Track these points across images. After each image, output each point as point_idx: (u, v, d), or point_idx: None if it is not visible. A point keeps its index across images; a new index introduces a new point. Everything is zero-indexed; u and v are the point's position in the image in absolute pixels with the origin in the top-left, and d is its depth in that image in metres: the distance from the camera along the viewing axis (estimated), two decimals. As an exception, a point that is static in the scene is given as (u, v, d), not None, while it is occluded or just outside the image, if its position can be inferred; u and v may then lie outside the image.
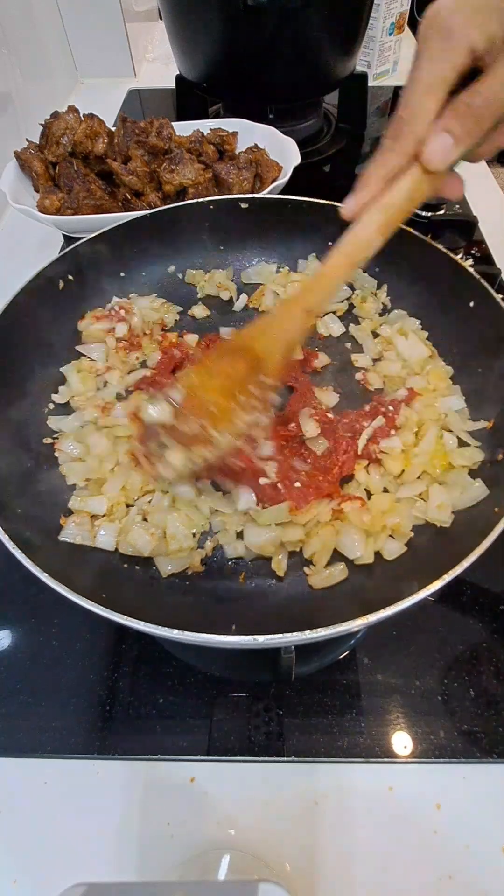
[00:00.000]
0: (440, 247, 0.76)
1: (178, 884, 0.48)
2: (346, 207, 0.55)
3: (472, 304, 0.71)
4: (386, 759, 0.57)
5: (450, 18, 0.44)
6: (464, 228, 1.05)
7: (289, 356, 0.63)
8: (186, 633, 0.45)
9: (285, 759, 0.57)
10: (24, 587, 0.69)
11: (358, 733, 0.58)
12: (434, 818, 0.55)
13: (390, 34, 1.51)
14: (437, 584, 0.47)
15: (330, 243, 0.88)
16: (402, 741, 0.58)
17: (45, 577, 0.49)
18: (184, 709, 0.60)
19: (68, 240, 0.80)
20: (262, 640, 0.45)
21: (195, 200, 0.87)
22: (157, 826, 0.54)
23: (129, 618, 0.46)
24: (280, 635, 0.45)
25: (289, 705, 0.60)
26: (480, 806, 0.55)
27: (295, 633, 0.44)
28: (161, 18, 1.32)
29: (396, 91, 1.58)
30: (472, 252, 1.04)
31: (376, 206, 0.54)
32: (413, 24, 1.67)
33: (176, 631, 0.45)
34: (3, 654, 0.64)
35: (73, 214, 0.98)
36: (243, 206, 0.87)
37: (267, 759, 0.57)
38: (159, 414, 0.59)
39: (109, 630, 0.66)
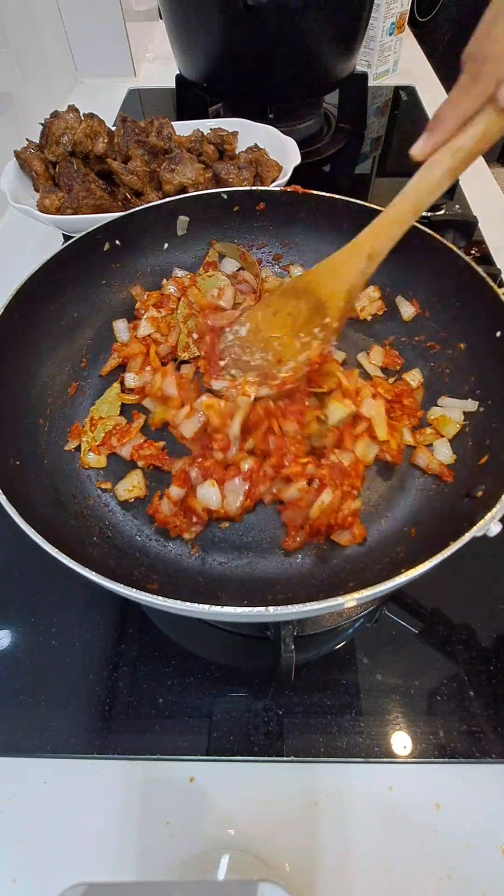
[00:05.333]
0: (477, 268, 0.72)
1: (178, 884, 0.48)
2: (417, 148, 0.53)
3: (498, 333, 0.68)
4: (385, 759, 0.57)
5: None
6: (464, 228, 1.05)
7: (351, 301, 0.65)
8: (188, 603, 0.45)
9: (285, 759, 0.57)
10: (24, 587, 0.69)
11: (357, 733, 0.58)
12: (434, 818, 0.55)
13: (390, 34, 1.51)
14: (409, 575, 0.47)
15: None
16: (401, 741, 0.58)
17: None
18: (183, 709, 0.60)
19: (68, 239, 0.81)
20: (256, 611, 0.45)
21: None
22: (157, 826, 0.54)
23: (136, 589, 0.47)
24: (271, 608, 0.45)
25: (288, 705, 0.60)
26: (480, 806, 0.55)
27: (287, 607, 0.45)
28: (161, 18, 1.32)
29: (396, 91, 1.58)
30: (472, 252, 1.04)
31: (446, 149, 0.52)
32: (413, 24, 1.68)
33: (179, 602, 0.45)
34: (3, 653, 0.64)
35: (73, 214, 0.98)
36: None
37: (266, 758, 0.57)
38: (232, 336, 0.66)
39: (109, 630, 0.66)
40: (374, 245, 0.61)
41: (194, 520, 0.64)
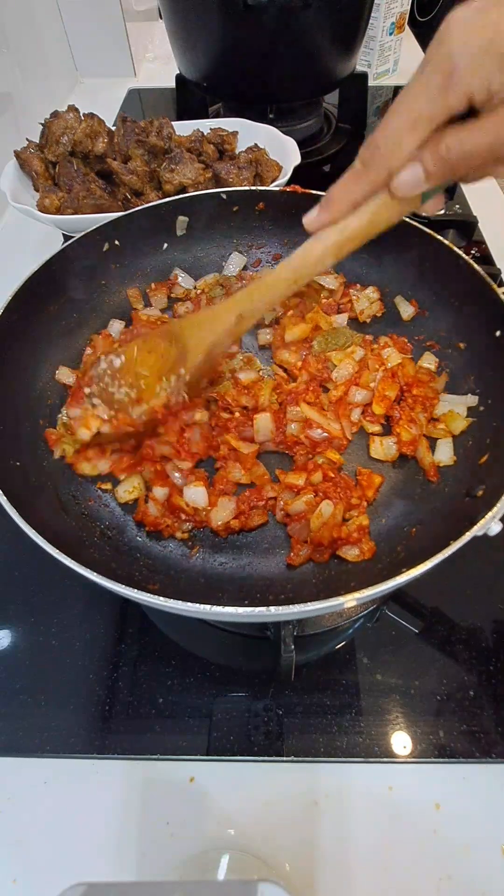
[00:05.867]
0: (479, 269, 0.71)
1: (178, 884, 0.48)
2: (308, 220, 0.54)
3: (497, 333, 0.68)
4: (385, 759, 0.57)
5: (457, 56, 0.41)
6: (464, 228, 1.05)
7: (211, 359, 0.65)
8: (189, 603, 0.45)
9: (285, 758, 0.57)
10: (24, 587, 0.69)
11: (357, 733, 0.58)
12: (434, 818, 0.55)
13: (390, 34, 1.51)
14: (410, 575, 0.47)
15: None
16: (401, 741, 0.58)
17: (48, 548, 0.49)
18: (183, 708, 0.60)
19: (68, 239, 0.81)
20: (258, 611, 0.45)
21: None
22: (157, 826, 0.54)
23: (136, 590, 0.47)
24: (274, 608, 0.45)
25: (288, 705, 0.60)
26: (480, 806, 0.55)
27: (288, 607, 0.45)
28: (161, 18, 1.32)
29: (396, 91, 1.58)
30: (472, 252, 1.04)
31: (335, 226, 0.53)
32: (413, 24, 1.68)
33: (181, 602, 0.45)
34: (3, 653, 0.64)
35: (73, 214, 0.98)
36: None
37: (266, 758, 0.57)
38: (105, 365, 0.64)
39: (109, 630, 0.66)
40: (244, 306, 0.61)
41: (183, 517, 0.64)
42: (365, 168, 0.49)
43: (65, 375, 0.75)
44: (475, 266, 0.71)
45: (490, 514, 0.51)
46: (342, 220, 0.53)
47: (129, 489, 0.67)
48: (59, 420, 0.72)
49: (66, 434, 0.70)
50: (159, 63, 1.77)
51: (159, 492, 0.65)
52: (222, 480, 0.67)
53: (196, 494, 0.64)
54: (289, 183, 1.02)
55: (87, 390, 0.64)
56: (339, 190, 0.51)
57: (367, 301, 0.85)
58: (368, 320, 0.84)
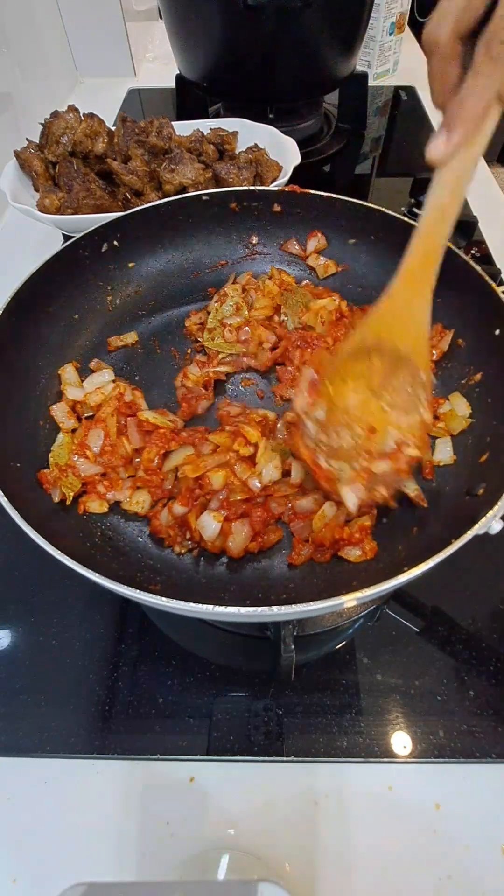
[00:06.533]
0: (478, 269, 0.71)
1: (177, 884, 0.48)
2: (435, 150, 0.45)
3: (497, 332, 0.68)
4: (385, 759, 0.57)
5: None
6: (464, 228, 1.05)
7: (428, 341, 0.59)
8: (191, 603, 0.45)
9: (285, 758, 0.57)
10: (25, 587, 0.69)
11: (357, 733, 0.58)
12: (434, 818, 0.55)
13: (390, 34, 1.51)
14: (414, 572, 0.47)
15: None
16: (401, 741, 0.58)
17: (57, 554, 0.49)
18: (183, 709, 0.60)
19: (68, 239, 0.81)
20: (259, 611, 0.45)
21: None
22: (157, 826, 0.54)
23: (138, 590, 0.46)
24: (276, 608, 0.45)
25: (288, 705, 0.60)
26: (480, 806, 0.55)
27: (290, 606, 0.45)
28: (161, 18, 1.32)
29: (396, 91, 1.58)
30: (473, 252, 1.04)
31: (464, 147, 0.45)
32: (413, 24, 1.67)
33: (183, 602, 0.45)
34: (3, 653, 0.64)
35: (72, 214, 0.98)
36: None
37: (267, 758, 0.57)
38: (312, 424, 0.58)
39: (109, 630, 0.66)
40: (430, 276, 0.55)
41: (188, 536, 0.63)
42: (492, 63, 0.38)
43: (69, 377, 0.75)
44: (475, 265, 0.71)
45: (490, 512, 0.51)
46: (471, 133, 0.44)
47: (133, 500, 0.66)
48: (50, 460, 0.65)
49: (62, 476, 0.63)
50: (159, 63, 1.77)
51: (178, 509, 0.64)
52: (225, 505, 0.64)
53: (209, 524, 0.62)
54: (289, 183, 1.02)
55: (322, 462, 0.57)
56: (467, 98, 0.41)
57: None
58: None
